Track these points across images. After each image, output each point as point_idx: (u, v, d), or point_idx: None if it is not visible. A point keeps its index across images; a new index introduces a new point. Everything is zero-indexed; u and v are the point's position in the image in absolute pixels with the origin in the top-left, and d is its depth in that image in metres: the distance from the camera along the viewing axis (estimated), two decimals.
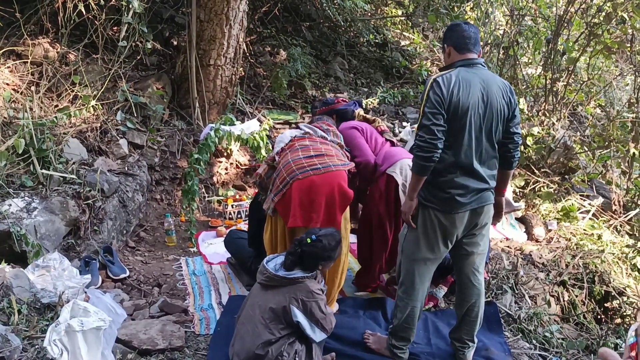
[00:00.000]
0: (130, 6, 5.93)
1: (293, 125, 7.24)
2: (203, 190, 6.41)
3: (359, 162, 4.36)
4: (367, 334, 3.99)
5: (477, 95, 3.38)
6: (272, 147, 4.66)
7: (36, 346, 3.41)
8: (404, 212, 3.60)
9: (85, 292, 4.04)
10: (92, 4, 5.93)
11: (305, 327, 3.34)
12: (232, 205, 6.23)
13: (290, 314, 3.32)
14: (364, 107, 4.89)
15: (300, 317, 3.32)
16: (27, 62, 5.85)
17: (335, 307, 4.35)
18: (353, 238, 5.68)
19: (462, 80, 3.37)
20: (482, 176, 3.46)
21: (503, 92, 3.49)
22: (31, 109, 5.32)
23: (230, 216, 6.20)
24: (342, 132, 4.51)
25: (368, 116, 4.89)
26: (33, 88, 5.68)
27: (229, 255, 5.11)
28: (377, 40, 10.56)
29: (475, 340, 3.86)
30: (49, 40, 6.29)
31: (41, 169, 4.92)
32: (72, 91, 5.89)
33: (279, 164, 4.09)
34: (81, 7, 5.84)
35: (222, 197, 6.41)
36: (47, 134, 5.14)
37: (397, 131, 7.93)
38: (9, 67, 5.75)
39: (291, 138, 4.23)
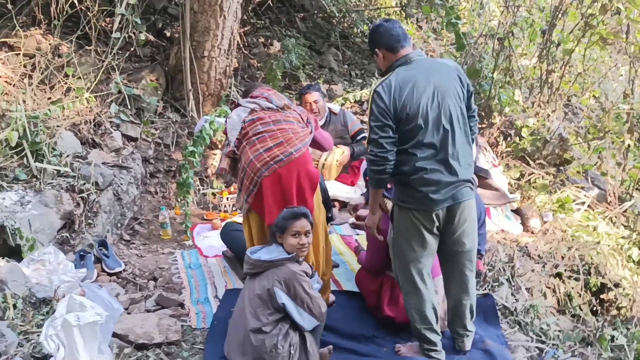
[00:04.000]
0: None
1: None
2: (198, 182, 6.37)
3: None
4: (397, 347, 3.91)
5: (425, 90, 3.35)
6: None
7: (32, 341, 3.39)
8: (369, 227, 3.65)
9: (81, 286, 4.02)
10: None
11: (291, 311, 3.35)
12: (227, 198, 6.18)
13: (275, 296, 3.35)
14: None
15: (284, 298, 3.35)
16: (19, 54, 5.80)
17: (331, 298, 4.33)
18: (348, 230, 5.70)
19: (403, 81, 3.35)
20: (453, 169, 3.42)
21: (449, 74, 3.47)
22: (24, 101, 5.28)
23: (225, 209, 6.16)
24: None
25: None
26: (26, 80, 5.64)
27: (225, 249, 5.09)
28: None
29: (472, 328, 3.85)
30: (42, 32, 6.24)
31: (35, 162, 4.88)
32: (65, 83, 5.85)
33: (241, 161, 4.07)
34: None
35: (217, 190, 6.36)
36: (40, 126, 5.09)
37: None
38: (1, 59, 5.69)
39: (242, 125, 4.14)
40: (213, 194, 6.33)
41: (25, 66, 5.83)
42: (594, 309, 5.35)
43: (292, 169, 3.91)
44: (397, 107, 3.31)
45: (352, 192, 6.07)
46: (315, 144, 4.29)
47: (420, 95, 3.33)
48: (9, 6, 5.85)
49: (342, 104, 7.81)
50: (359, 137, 6.17)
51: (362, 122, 7.56)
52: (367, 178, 4.22)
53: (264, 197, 3.91)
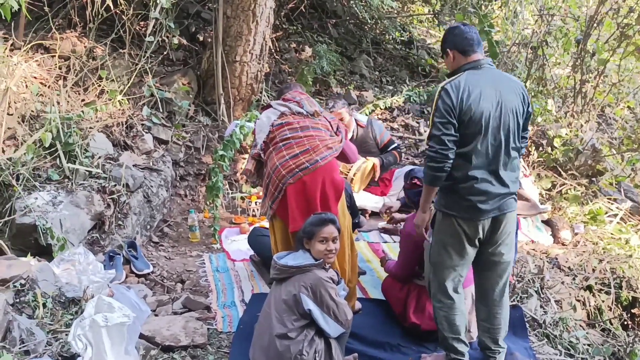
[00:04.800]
0: (158, 1, 5.94)
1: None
2: (227, 186, 6.39)
3: None
4: (423, 357, 3.89)
5: (490, 98, 3.33)
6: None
7: (60, 340, 3.42)
8: (418, 225, 3.58)
9: (109, 287, 4.05)
10: None
11: (317, 318, 3.34)
12: (255, 202, 6.20)
13: (301, 302, 3.34)
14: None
15: (311, 304, 3.34)
16: (55, 56, 5.89)
17: (357, 305, 4.31)
18: (376, 237, 5.68)
19: (472, 84, 3.32)
20: (503, 180, 3.40)
21: (515, 89, 3.44)
22: (58, 102, 5.36)
23: (254, 213, 6.18)
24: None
25: None
26: (60, 82, 5.72)
27: (252, 253, 5.10)
28: (403, 38, 10.50)
29: (504, 345, 3.76)
30: (77, 35, 6.33)
31: (67, 162, 4.95)
32: (99, 85, 5.93)
33: (267, 166, 4.07)
34: (109, 1, 5.86)
35: (245, 194, 6.39)
36: (73, 128, 5.17)
37: (422, 130, 7.87)
38: (37, 60, 5.78)
39: (270, 128, 4.13)
40: (242, 197, 6.36)
41: (60, 68, 5.92)
42: (625, 323, 5.25)
43: (317, 177, 3.90)
44: (463, 108, 3.28)
45: (381, 202, 6.04)
46: (342, 156, 4.24)
47: (485, 103, 3.31)
48: (46, 9, 5.94)
49: (372, 111, 7.80)
50: (390, 148, 6.12)
51: (391, 129, 7.54)
52: (410, 182, 4.19)
53: (288, 204, 3.91)
